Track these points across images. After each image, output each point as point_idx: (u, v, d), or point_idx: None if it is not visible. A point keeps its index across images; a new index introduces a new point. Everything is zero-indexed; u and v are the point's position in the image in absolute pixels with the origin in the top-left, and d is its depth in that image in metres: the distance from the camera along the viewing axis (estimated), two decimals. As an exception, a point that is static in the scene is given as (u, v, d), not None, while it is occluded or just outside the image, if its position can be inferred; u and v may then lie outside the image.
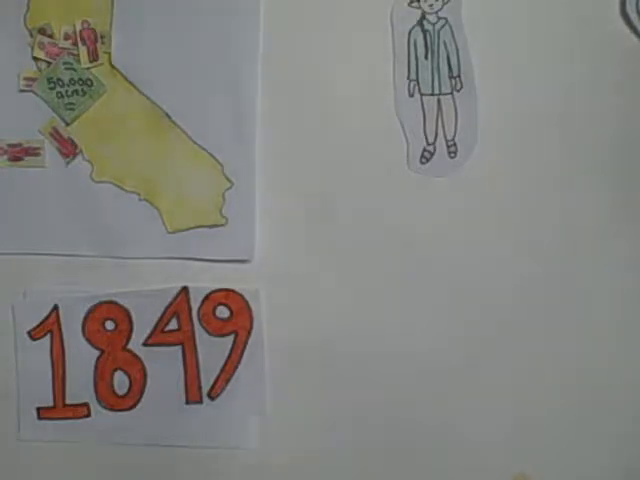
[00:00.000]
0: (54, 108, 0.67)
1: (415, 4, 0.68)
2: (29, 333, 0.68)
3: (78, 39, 0.67)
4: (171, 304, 0.67)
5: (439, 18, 0.68)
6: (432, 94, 0.68)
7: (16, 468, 0.69)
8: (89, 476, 0.68)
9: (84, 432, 0.68)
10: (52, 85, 0.67)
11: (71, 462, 0.68)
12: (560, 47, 0.68)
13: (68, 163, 0.67)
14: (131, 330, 0.67)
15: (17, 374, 0.68)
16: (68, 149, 0.67)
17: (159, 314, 0.67)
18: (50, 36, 0.67)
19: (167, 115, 0.67)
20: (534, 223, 0.68)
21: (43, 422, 0.68)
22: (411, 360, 0.67)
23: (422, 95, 0.68)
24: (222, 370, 0.67)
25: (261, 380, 0.67)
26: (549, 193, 0.68)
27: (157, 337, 0.67)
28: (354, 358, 0.67)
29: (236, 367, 0.67)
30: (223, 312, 0.67)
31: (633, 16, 0.67)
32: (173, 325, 0.67)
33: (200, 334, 0.67)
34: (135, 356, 0.68)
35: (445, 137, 0.68)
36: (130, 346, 0.68)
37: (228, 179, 0.67)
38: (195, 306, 0.67)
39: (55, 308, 0.67)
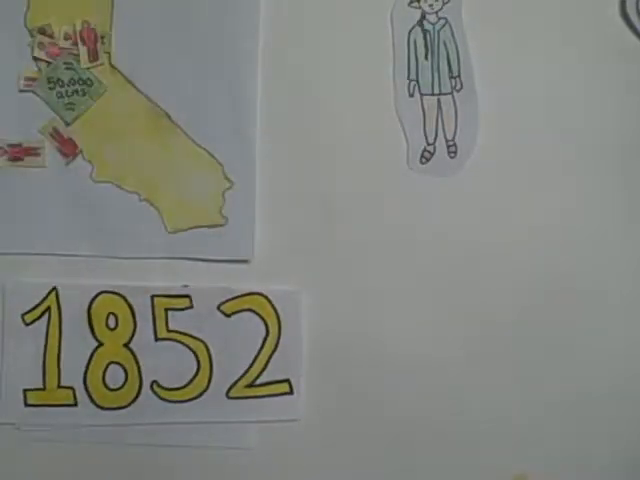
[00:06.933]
0: (54, 108, 0.67)
1: (415, 4, 0.68)
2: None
3: (78, 39, 0.67)
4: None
5: (439, 18, 0.68)
6: (432, 94, 0.68)
7: (15, 464, 0.68)
8: (88, 476, 0.68)
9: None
10: (52, 85, 0.67)
11: (68, 461, 0.68)
12: (560, 47, 0.68)
13: (68, 163, 0.67)
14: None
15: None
16: (68, 149, 0.67)
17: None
18: (50, 36, 0.67)
19: (167, 115, 0.67)
20: (534, 224, 0.68)
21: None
22: (411, 360, 0.67)
23: (422, 95, 0.68)
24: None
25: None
26: (549, 193, 0.68)
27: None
28: (353, 357, 0.67)
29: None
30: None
31: (633, 16, 0.67)
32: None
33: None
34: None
35: (445, 137, 0.68)
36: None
37: (228, 179, 0.67)
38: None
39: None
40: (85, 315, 0.67)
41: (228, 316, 0.67)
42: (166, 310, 0.67)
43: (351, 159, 0.68)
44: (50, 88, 0.67)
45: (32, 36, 0.67)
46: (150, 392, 0.67)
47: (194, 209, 0.67)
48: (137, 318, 0.67)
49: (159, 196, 0.67)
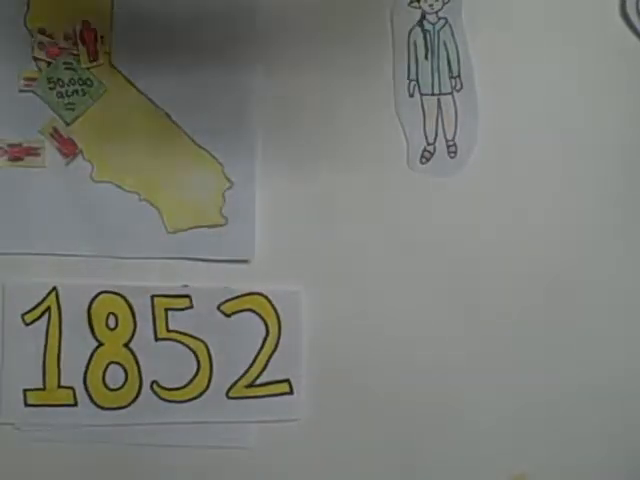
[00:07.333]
0: (54, 108, 0.67)
1: (415, 4, 0.68)
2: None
3: (78, 39, 0.67)
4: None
5: (439, 18, 0.68)
6: (432, 94, 0.68)
7: (15, 464, 0.68)
8: (88, 476, 0.68)
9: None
10: (52, 85, 0.67)
11: (68, 461, 0.68)
12: (560, 47, 0.68)
13: (68, 163, 0.67)
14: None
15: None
16: (68, 149, 0.67)
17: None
18: (50, 36, 0.67)
19: (167, 115, 0.67)
20: (534, 224, 0.68)
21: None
22: (411, 359, 0.67)
23: (422, 95, 0.68)
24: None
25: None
26: (549, 193, 0.68)
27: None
28: (353, 357, 0.67)
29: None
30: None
31: (633, 16, 0.67)
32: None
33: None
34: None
35: (445, 137, 0.68)
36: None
37: (228, 179, 0.67)
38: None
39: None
40: (85, 315, 0.67)
41: (228, 316, 0.67)
42: (166, 310, 0.67)
43: (351, 159, 0.68)
44: (50, 88, 0.67)
45: (32, 36, 0.67)
46: (150, 392, 0.67)
47: (194, 209, 0.67)
48: (137, 318, 0.67)
49: (159, 196, 0.67)
